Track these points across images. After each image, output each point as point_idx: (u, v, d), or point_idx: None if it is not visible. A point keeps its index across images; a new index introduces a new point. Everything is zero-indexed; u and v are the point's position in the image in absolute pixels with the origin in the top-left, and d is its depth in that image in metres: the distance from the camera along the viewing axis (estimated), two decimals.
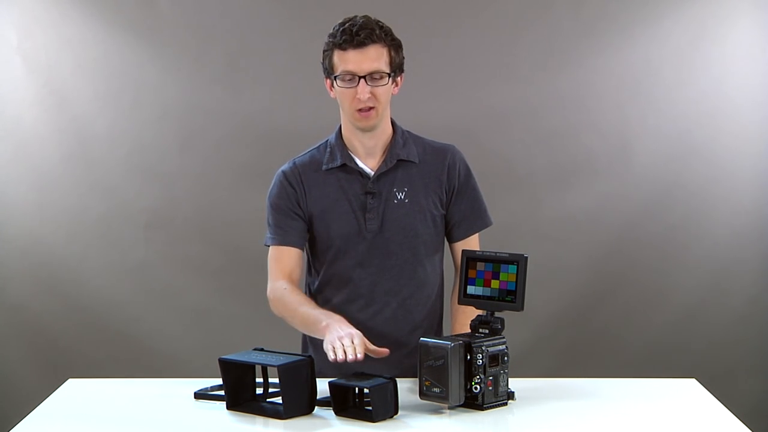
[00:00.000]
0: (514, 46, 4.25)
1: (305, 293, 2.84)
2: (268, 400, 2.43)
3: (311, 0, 4.23)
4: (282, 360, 2.32)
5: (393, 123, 2.75)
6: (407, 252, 2.73)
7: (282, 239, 2.73)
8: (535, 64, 4.25)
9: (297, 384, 2.31)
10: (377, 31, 2.60)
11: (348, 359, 2.37)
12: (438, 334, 2.81)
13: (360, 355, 2.39)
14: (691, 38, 4.22)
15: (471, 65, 4.26)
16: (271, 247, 2.75)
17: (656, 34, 4.22)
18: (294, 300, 2.67)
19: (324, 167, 2.73)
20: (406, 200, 2.71)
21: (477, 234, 2.80)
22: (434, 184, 2.73)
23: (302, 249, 2.75)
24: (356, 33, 2.58)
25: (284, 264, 2.73)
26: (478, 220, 2.79)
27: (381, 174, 2.71)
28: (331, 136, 2.77)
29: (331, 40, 2.62)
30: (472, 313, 2.45)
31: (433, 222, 2.75)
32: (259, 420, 2.32)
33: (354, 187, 2.71)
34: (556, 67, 4.24)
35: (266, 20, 4.26)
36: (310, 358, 2.34)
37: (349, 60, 2.59)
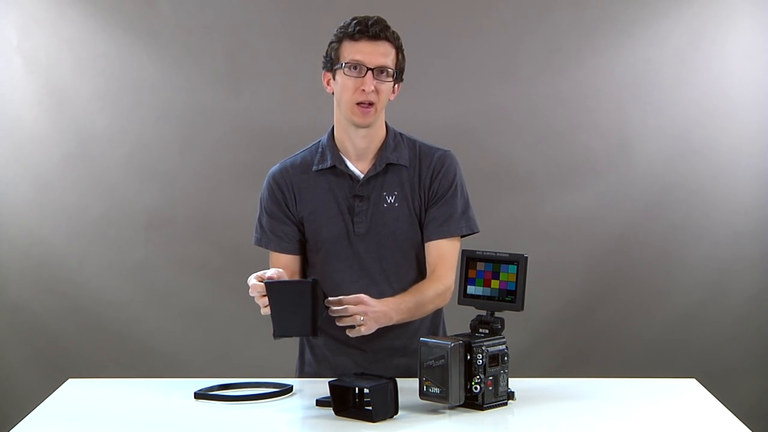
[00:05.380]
0: (515, 46, 4.25)
1: None
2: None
3: (311, 0, 4.23)
4: (275, 280, 2.42)
5: (386, 125, 2.74)
6: (398, 255, 2.72)
7: (276, 245, 2.75)
8: (535, 64, 4.25)
9: (287, 304, 2.37)
10: (390, 30, 2.63)
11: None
12: (435, 334, 2.80)
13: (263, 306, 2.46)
14: (691, 38, 4.22)
15: (472, 65, 4.26)
16: (270, 252, 2.77)
17: (656, 34, 4.22)
18: None
19: (314, 168, 2.72)
20: (396, 204, 2.70)
21: (453, 239, 2.71)
22: (419, 186, 2.72)
23: (297, 253, 2.76)
24: (371, 25, 2.59)
25: (278, 265, 2.73)
26: (446, 226, 2.71)
27: (370, 177, 2.70)
28: (324, 137, 2.76)
29: (342, 30, 2.62)
30: (427, 293, 2.60)
31: (421, 225, 2.73)
32: (261, 418, 2.32)
33: (343, 190, 2.71)
34: (557, 68, 4.24)
35: (266, 20, 4.26)
36: (312, 282, 2.39)
37: (359, 50, 2.59)
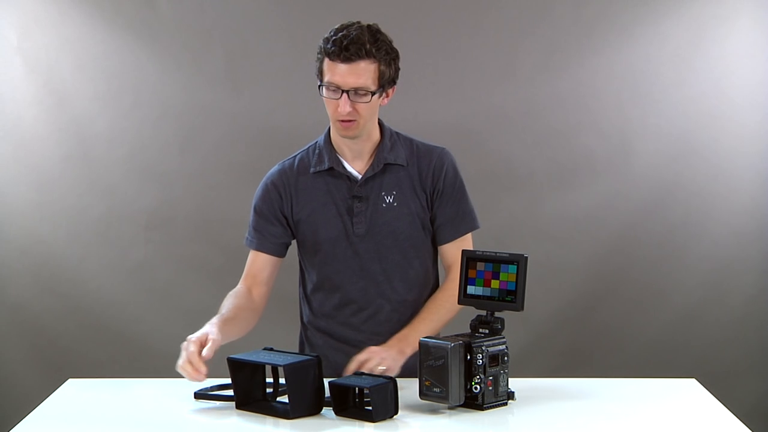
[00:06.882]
0: (514, 46, 4.25)
1: (300, 295, 2.86)
2: (278, 399, 2.42)
3: (311, 0, 4.23)
4: (289, 360, 2.32)
5: (381, 126, 2.73)
6: (397, 255, 2.72)
7: (258, 244, 2.77)
8: (535, 64, 4.25)
9: (303, 384, 2.31)
10: (368, 47, 2.56)
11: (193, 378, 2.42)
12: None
13: (197, 376, 2.40)
14: (691, 38, 4.22)
15: (472, 65, 4.26)
16: (250, 252, 2.79)
17: (656, 34, 4.22)
18: (224, 305, 2.71)
19: (312, 170, 2.73)
20: (395, 203, 2.70)
21: (467, 235, 2.76)
22: (420, 186, 2.72)
23: (277, 255, 2.77)
24: (346, 47, 2.54)
25: (253, 267, 2.78)
26: (463, 224, 2.75)
27: (368, 178, 2.70)
28: (320, 138, 2.76)
29: (323, 45, 2.60)
30: (440, 311, 2.63)
31: (422, 224, 2.74)
32: (259, 420, 2.32)
33: (341, 191, 2.71)
34: (557, 67, 4.24)
35: (266, 20, 4.26)
36: (317, 359, 2.34)
37: (335, 72, 2.56)
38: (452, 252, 2.73)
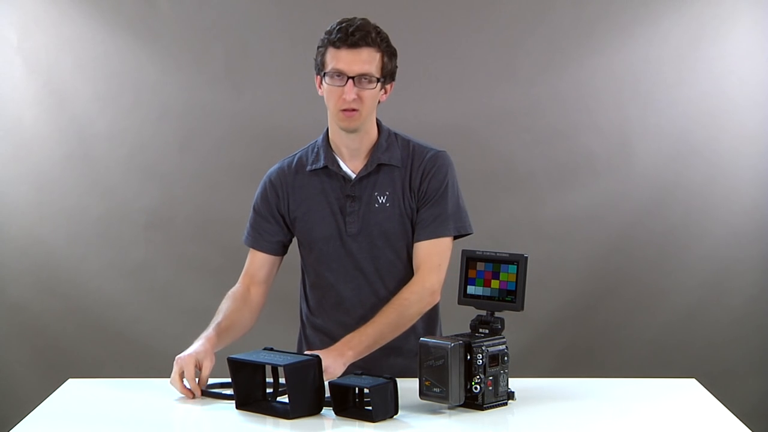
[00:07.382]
0: (514, 46, 4.25)
1: (300, 293, 2.86)
2: (278, 399, 2.42)
3: (311, 0, 4.23)
4: (289, 360, 2.32)
5: (379, 125, 2.73)
6: (391, 254, 2.72)
7: (254, 242, 2.79)
8: (535, 64, 4.25)
9: (304, 384, 2.31)
10: (373, 35, 2.59)
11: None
12: (432, 334, 2.79)
13: (189, 395, 2.47)
14: (691, 38, 4.22)
15: (472, 65, 4.26)
16: (249, 250, 2.81)
17: (656, 34, 4.22)
18: (220, 308, 2.76)
19: (308, 168, 2.74)
20: (388, 204, 2.70)
21: (442, 239, 2.70)
22: (409, 186, 2.71)
23: (274, 254, 2.78)
24: (352, 33, 2.57)
25: (251, 266, 2.80)
26: (436, 226, 2.70)
27: (362, 177, 2.70)
28: (320, 137, 2.77)
29: (326, 36, 2.62)
30: (390, 315, 2.59)
31: (413, 224, 2.74)
32: (261, 420, 2.32)
33: (335, 190, 2.71)
34: (557, 67, 4.25)
35: (266, 20, 4.27)
36: (317, 358, 2.34)
37: (340, 59, 2.58)
38: (421, 252, 2.70)
